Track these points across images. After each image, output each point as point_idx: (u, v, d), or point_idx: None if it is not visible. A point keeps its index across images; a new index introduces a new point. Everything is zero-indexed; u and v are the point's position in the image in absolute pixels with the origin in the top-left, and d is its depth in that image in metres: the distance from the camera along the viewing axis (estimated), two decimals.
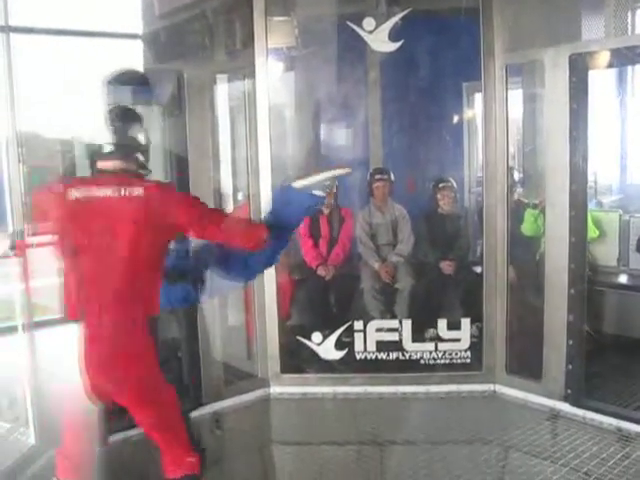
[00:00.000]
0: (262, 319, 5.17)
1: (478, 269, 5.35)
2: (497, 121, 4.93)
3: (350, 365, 5.21)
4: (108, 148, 2.82)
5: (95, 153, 2.84)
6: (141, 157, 2.89)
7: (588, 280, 4.83)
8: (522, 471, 3.98)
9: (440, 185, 5.72)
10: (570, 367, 4.71)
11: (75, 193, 2.72)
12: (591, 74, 4.55)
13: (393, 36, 5.00)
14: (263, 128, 5.00)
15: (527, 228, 5.37)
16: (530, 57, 4.83)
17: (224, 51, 5.38)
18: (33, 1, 5.63)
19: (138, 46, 6.63)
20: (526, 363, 5.06)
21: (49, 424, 3.71)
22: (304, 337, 5.22)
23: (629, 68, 6.64)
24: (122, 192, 2.68)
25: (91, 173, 2.86)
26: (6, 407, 4.48)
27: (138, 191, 2.68)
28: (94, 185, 2.74)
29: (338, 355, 5.22)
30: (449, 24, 5.18)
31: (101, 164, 2.83)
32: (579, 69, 4.46)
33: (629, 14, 5.86)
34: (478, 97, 5.49)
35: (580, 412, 4.65)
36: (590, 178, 6.88)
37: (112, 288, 2.67)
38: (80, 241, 2.70)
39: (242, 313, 5.33)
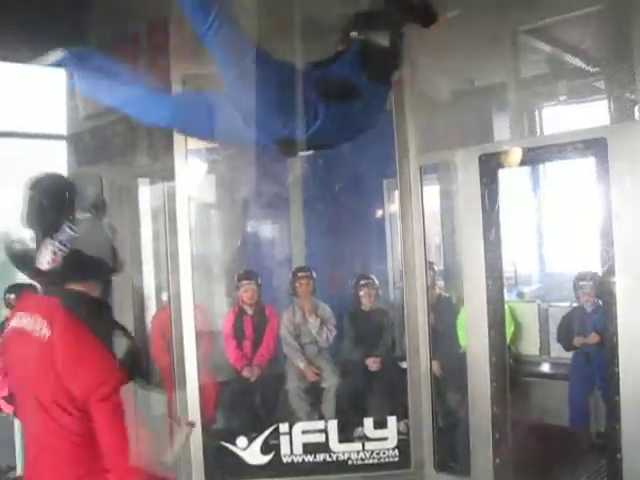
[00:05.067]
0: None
1: (404, 364, 5.36)
2: (413, 218, 5.04)
3: (277, 469, 5.07)
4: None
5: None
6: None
7: (511, 370, 4.90)
8: None
9: (361, 282, 5.78)
10: (498, 461, 4.70)
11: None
12: (503, 172, 4.75)
13: None
14: (183, 228, 4.99)
15: (463, 336, 5.24)
16: (443, 158, 5.01)
17: (145, 154, 5.43)
18: None
19: (62, 147, 6.68)
20: (455, 459, 5.03)
21: None
22: (229, 442, 5.07)
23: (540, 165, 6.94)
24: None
25: None
26: None
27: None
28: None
29: (264, 459, 5.08)
30: None
31: None
32: (489, 168, 4.65)
33: (533, 117, 6.24)
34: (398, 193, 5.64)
35: None
36: (510, 268, 7.14)
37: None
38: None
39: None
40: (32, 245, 2.03)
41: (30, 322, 2.05)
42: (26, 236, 2.05)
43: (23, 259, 2.08)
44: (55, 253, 1.99)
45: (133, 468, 1.96)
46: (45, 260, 1.99)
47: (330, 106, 2.57)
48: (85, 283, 2.11)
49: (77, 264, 2.04)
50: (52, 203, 2.04)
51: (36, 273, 2.06)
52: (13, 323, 2.14)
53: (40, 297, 2.19)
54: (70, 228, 2.01)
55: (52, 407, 1.99)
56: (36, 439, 2.10)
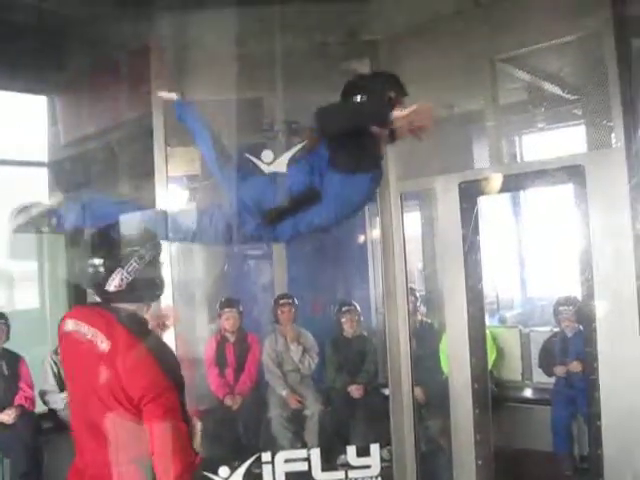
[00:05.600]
0: None
1: (387, 391, 5.34)
2: (395, 245, 5.04)
3: None
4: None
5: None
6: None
7: (493, 396, 4.89)
8: None
9: (343, 309, 5.79)
10: None
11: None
12: (483, 199, 4.79)
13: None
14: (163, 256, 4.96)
15: (445, 362, 5.22)
16: (423, 185, 5.04)
17: (127, 181, 5.41)
18: None
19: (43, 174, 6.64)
20: None
21: None
22: (211, 471, 5.01)
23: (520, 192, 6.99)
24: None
25: None
26: None
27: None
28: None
29: None
30: None
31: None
32: (469, 195, 4.68)
33: (512, 144, 6.31)
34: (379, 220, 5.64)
35: None
36: (492, 294, 7.17)
37: None
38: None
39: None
40: (101, 270, 2.54)
41: (88, 332, 2.49)
42: (97, 262, 2.55)
43: (94, 281, 2.57)
44: (122, 280, 2.54)
45: (173, 452, 2.41)
46: (113, 284, 2.53)
47: (295, 216, 2.77)
48: (136, 304, 2.62)
49: (136, 289, 2.57)
50: (130, 244, 2.58)
51: (102, 292, 2.58)
52: (67, 328, 2.58)
53: (95, 310, 2.59)
54: (136, 262, 2.54)
55: (109, 400, 2.43)
56: (91, 425, 2.49)
